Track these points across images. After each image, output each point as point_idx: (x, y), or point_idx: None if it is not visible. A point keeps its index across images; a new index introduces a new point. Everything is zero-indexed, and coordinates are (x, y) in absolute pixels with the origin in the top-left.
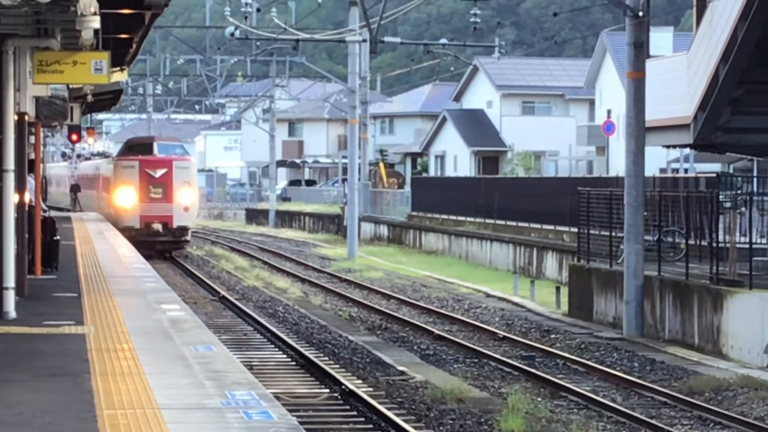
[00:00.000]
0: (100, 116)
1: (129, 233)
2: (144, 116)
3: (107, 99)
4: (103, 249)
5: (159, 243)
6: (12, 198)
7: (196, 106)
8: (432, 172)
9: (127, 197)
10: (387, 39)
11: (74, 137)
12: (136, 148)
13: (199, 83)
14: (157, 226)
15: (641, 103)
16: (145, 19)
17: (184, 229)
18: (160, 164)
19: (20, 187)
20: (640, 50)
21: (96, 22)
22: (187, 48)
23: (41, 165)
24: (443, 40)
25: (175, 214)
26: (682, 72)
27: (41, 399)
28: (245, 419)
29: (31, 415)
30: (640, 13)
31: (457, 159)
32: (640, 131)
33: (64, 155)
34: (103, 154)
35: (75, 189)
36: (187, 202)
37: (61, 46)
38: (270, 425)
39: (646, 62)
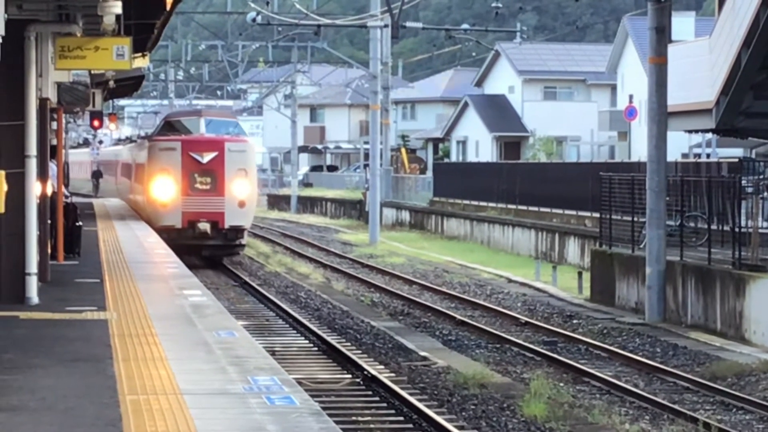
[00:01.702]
0: (122, 102)
1: (168, 234)
2: (166, 102)
3: (129, 85)
4: (124, 234)
5: (206, 247)
6: (34, 184)
7: (218, 92)
8: (453, 158)
9: (165, 189)
10: (409, 24)
11: (96, 123)
12: (177, 125)
13: (221, 69)
14: (204, 226)
15: (663, 88)
16: (167, 5)
17: (238, 230)
18: (208, 146)
19: (42, 174)
20: (662, 35)
21: (118, 8)
22: (209, 34)
23: (63, 151)
24: (465, 26)
25: (228, 211)
26: (704, 57)
27: (64, 384)
28: (268, 404)
29: (54, 401)
30: None
31: (478, 144)
32: (662, 116)
33: (86, 141)
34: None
35: (97, 175)
36: (242, 196)
37: (82, 31)
38: (292, 410)
39: (668, 47)
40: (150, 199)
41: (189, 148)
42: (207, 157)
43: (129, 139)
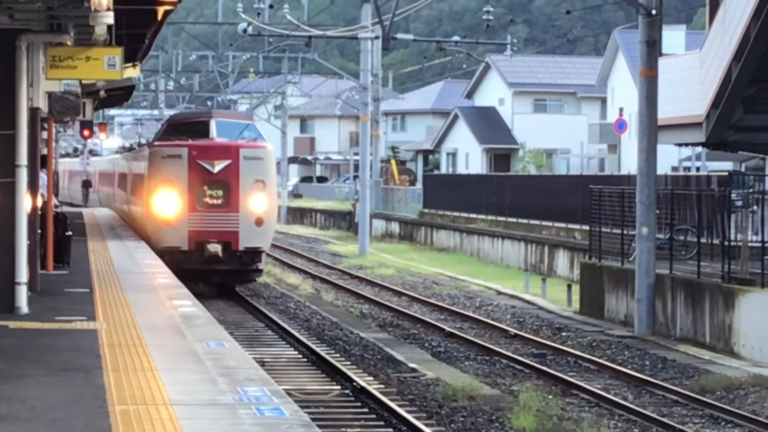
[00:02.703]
0: (112, 112)
1: (172, 257)
2: (156, 112)
3: (119, 95)
4: (114, 244)
5: (217, 273)
6: (24, 193)
7: (209, 102)
8: (443, 170)
9: (168, 203)
10: (399, 36)
11: (86, 133)
12: (183, 128)
13: (211, 79)
14: (215, 248)
15: (654, 101)
16: (158, 15)
17: (255, 253)
18: (220, 153)
19: (32, 183)
20: (652, 48)
21: (110, 18)
22: (199, 44)
23: (53, 160)
24: (456, 38)
25: (243, 230)
26: (694, 70)
27: (54, 394)
28: (257, 416)
29: (44, 410)
30: (653, 12)
31: (468, 156)
32: (652, 129)
33: (76, 151)
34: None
35: (86, 185)
36: (260, 212)
37: (74, 41)
38: (282, 422)
39: (659, 60)
40: (150, 216)
41: (197, 155)
42: (218, 166)
43: (130, 148)
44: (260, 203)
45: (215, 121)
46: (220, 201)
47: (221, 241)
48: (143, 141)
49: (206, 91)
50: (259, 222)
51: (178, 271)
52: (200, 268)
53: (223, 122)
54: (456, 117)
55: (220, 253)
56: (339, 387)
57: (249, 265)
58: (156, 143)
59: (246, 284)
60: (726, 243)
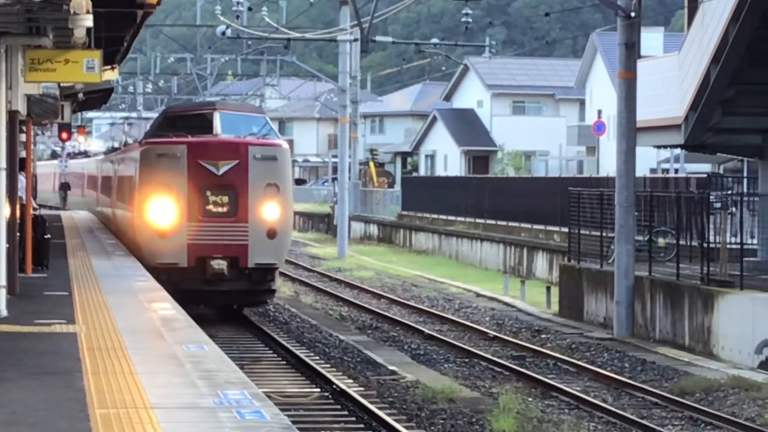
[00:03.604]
0: (90, 114)
1: (168, 276)
2: (134, 114)
3: (98, 97)
4: (93, 247)
5: (222, 295)
6: (4, 197)
7: None
8: (422, 172)
9: (163, 212)
10: (378, 38)
11: (64, 135)
12: (182, 122)
13: (190, 82)
14: (220, 265)
15: (632, 103)
16: (137, 18)
17: (267, 271)
18: (225, 151)
19: (11, 186)
20: (631, 51)
21: (89, 21)
22: (177, 46)
23: (32, 163)
24: (435, 40)
25: (253, 243)
26: (673, 72)
27: (34, 397)
28: (238, 419)
29: (24, 414)
30: (632, 14)
31: (447, 158)
32: (631, 132)
33: (54, 154)
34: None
35: (64, 187)
36: (273, 220)
37: (53, 44)
38: (263, 425)
39: (638, 63)
40: (142, 227)
41: (198, 153)
42: (224, 167)
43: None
44: (273, 211)
45: (219, 114)
46: (225, 209)
47: (227, 256)
48: (130, 141)
49: (185, 93)
50: (271, 233)
51: (175, 293)
52: (202, 288)
53: (228, 115)
54: (434, 119)
55: (226, 271)
56: (319, 390)
57: (260, 285)
58: (149, 140)
59: (255, 308)
60: (705, 245)
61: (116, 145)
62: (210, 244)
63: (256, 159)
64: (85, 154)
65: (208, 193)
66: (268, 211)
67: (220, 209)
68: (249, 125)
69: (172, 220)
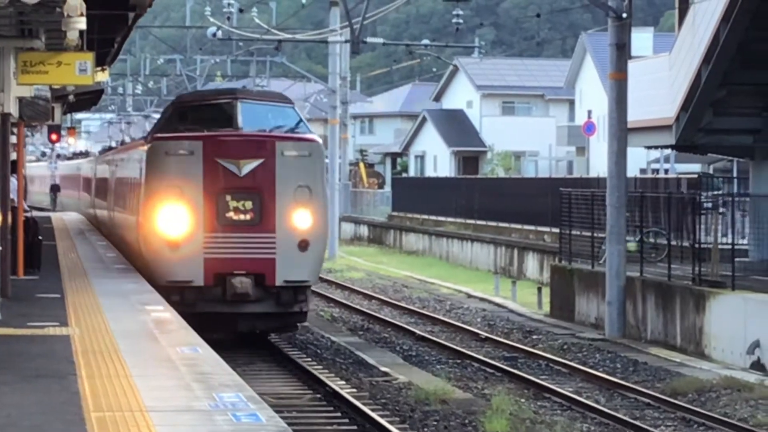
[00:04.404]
0: (79, 116)
1: (181, 297)
2: (117, 117)
3: (88, 99)
4: (84, 249)
5: (245, 318)
6: None
7: None
8: (412, 172)
9: (175, 220)
10: (369, 39)
11: (54, 137)
12: (196, 113)
13: (179, 83)
14: (243, 284)
15: (623, 104)
16: (129, 20)
17: (298, 290)
18: (249, 148)
19: (2, 188)
20: (622, 51)
21: (82, 23)
22: (167, 47)
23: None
24: (425, 41)
25: (281, 257)
26: (664, 73)
27: (28, 401)
28: (234, 422)
29: (20, 417)
30: (624, 15)
31: (436, 159)
32: (622, 132)
33: (44, 155)
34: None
35: (55, 189)
36: (304, 228)
37: (45, 46)
38: (259, 428)
39: (628, 63)
40: (149, 238)
41: (216, 151)
42: (247, 167)
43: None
44: (305, 219)
45: (241, 104)
46: (248, 216)
47: (251, 272)
48: (128, 140)
49: (174, 94)
50: (303, 245)
51: (189, 316)
52: (221, 311)
53: (251, 105)
54: (424, 120)
55: (250, 290)
56: (311, 391)
57: (289, 307)
58: (157, 135)
59: (283, 333)
60: (696, 245)
61: (113, 144)
62: (230, 259)
63: (285, 157)
64: (85, 154)
65: (228, 197)
66: (300, 218)
67: (242, 217)
68: (276, 117)
69: (185, 231)
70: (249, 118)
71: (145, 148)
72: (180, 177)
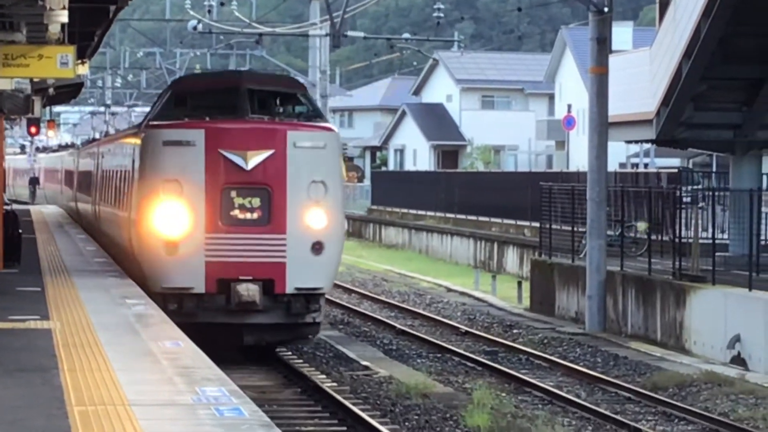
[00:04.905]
0: (57, 108)
1: (179, 305)
2: (102, 108)
3: (68, 92)
4: (63, 242)
5: (252, 329)
6: None
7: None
8: (391, 166)
9: (172, 220)
10: (351, 33)
11: (33, 130)
12: (197, 99)
13: (159, 76)
14: (249, 291)
15: (604, 98)
16: (110, 12)
17: (310, 298)
18: (257, 138)
19: None
20: (603, 45)
21: (64, 16)
22: (146, 40)
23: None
24: (406, 35)
25: (293, 262)
26: (645, 67)
27: (10, 395)
28: (217, 416)
29: (2, 411)
30: (605, 9)
31: (416, 153)
32: (603, 127)
33: (23, 148)
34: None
35: (34, 182)
36: (318, 228)
37: (26, 39)
38: (242, 422)
39: (609, 57)
40: (142, 239)
41: (220, 141)
42: (254, 159)
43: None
44: (319, 218)
45: (248, 88)
46: (256, 215)
47: (258, 278)
48: (112, 132)
49: (154, 88)
50: (317, 248)
51: (188, 327)
52: (225, 321)
53: (260, 90)
54: (404, 114)
55: (257, 299)
56: (293, 385)
57: (301, 317)
58: (153, 122)
59: (293, 345)
60: (677, 240)
61: (97, 136)
62: (235, 263)
63: (298, 148)
64: (71, 146)
65: (233, 193)
66: (313, 217)
67: (248, 215)
68: (286, 103)
69: (184, 230)
70: (256, 105)
71: (139, 137)
72: (178, 170)
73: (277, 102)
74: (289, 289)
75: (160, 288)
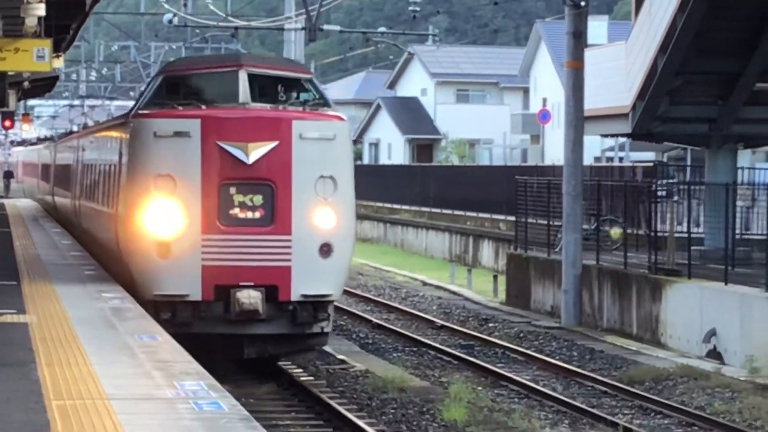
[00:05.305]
0: (31, 102)
1: (173, 314)
2: (77, 102)
3: (43, 85)
4: (39, 235)
5: (254, 341)
6: None
7: (131, 93)
8: (366, 160)
9: (164, 219)
10: (326, 27)
11: (8, 123)
12: (191, 85)
13: (133, 70)
14: (251, 298)
15: (580, 92)
16: (86, 5)
17: (318, 305)
18: (258, 128)
19: None
20: (579, 40)
21: (41, 10)
22: (120, 34)
23: None
24: (382, 29)
25: (299, 265)
26: (620, 61)
27: None
28: (196, 410)
29: None
30: (582, 3)
31: (391, 147)
32: (579, 121)
33: None
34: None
35: (8, 176)
36: (327, 228)
37: (2, 33)
38: (221, 416)
39: (585, 51)
40: (130, 239)
41: (218, 132)
42: (256, 153)
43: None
44: (328, 217)
45: (248, 73)
46: (258, 214)
47: (260, 284)
48: (91, 124)
49: (128, 81)
50: (326, 251)
51: (183, 337)
52: (223, 332)
53: (261, 75)
54: (378, 107)
55: (260, 307)
56: (269, 380)
57: (308, 327)
58: (143, 111)
59: (298, 356)
60: (653, 234)
61: (74, 128)
62: (235, 267)
63: (304, 140)
64: (50, 139)
65: (233, 190)
66: (321, 217)
67: (249, 215)
68: (290, 89)
69: (178, 231)
70: (258, 92)
71: (128, 128)
72: (171, 164)
73: (281, 88)
74: (295, 296)
75: (152, 295)
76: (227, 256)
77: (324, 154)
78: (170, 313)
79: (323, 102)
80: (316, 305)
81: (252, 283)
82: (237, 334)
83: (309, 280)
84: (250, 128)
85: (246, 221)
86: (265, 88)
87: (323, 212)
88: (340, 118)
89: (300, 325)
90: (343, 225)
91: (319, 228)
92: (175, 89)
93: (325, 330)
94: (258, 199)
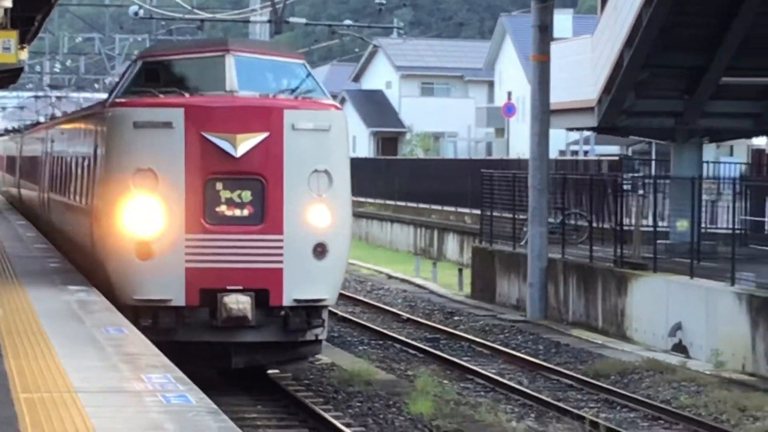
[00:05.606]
0: None
1: (155, 320)
2: (41, 93)
3: (7, 77)
4: (2, 228)
5: (242, 349)
6: None
7: (96, 85)
8: None
9: (144, 217)
10: (293, 20)
11: None
12: (173, 72)
13: (98, 62)
14: (239, 304)
15: (546, 86)
16: None
17: (311, 311)
18: (246, 118)
19: None
20: (545, 33)
21: (8, 1)
22: (84, 25)
23: None
24: (347, 21)
25: (291, 267)
26: (586, 55)
27: None
28: (164, 403)
29: None
30: None
31: (355, 140)
32: (544, 114)
33: None
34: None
35: None
36: (321, 227)
37: None
38: (189, 409)
39: (551, 45)
40: (107, 239)
41: (203, 122)
42: (244, 145)
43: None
44: (323, 215)
45: (235, 58)
46: (246, 212)
47: (249, 288)
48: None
49: (93, 73)
50: (320, 251)
51: (166, 346)
52: (210, 340)
53: (249, 60)
54: (343, 100)
55: (249, 313)
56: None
57: (301, 334)
58: (120, 99)
59: (291, 365)
60: (618, 227)
61: (41, 120)
62: (222, 270)
63: (297, 131)
64: (17, 131)
65: (220, 186)
66: (316, 214)
67: (237, 212)
68: (281, 76)
69: (160, 230)
70: (246, 78)
71: (104, 117)
72: (152, 157)
73: (272, 75)
74: (287, 300)
75: (131, 299)
76: (213, 258)
77: (318, 147)
78: (151, 320)
79: (317, 90)
80: (310, 311)
81: (240, 287)
82: (224, 342)
83: (302, 284)
84: (238, 118)
85: (234, 219)
86: (254, 75)
87: (317, 210)
88: (336, 107)
89: (292, 332)
90: (338, 223)
91: (312, 227)
92: (156, 76)
93: (320, 338)
94: (246, 196)
